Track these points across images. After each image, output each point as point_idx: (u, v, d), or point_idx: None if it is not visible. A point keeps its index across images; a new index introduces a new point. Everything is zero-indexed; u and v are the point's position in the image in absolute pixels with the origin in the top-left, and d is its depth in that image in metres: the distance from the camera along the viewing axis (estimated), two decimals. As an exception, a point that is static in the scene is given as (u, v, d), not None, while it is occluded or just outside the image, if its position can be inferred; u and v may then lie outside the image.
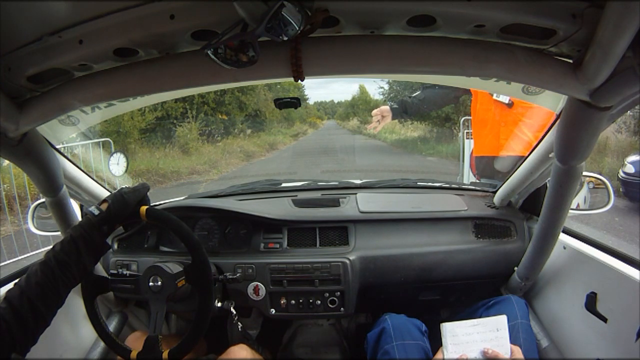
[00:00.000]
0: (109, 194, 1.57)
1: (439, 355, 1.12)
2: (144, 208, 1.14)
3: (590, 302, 1.23)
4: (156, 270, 1.19)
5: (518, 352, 1.10)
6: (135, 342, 1.33)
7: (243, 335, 1.50)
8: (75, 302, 1.07)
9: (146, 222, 1.16)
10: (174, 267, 1.23)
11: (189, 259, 1.20)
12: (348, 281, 1.50)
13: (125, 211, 1.11)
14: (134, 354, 1.16)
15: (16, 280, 0.94)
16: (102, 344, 1.55)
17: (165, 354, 1.14)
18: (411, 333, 1.25)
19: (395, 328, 1.25)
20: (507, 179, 1.58)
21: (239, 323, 1.45)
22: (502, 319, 1.12)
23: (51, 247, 1.00)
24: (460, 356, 1.09)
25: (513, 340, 1.13)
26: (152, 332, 1.16)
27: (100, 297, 1.61)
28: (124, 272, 1.24)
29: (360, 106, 23.44)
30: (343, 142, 16.29)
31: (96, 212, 1.06)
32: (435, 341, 1.23)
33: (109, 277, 1.21)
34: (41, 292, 0.92)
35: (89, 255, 1.02)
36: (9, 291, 0.91)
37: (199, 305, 1.18)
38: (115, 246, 1.68)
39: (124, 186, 1.15)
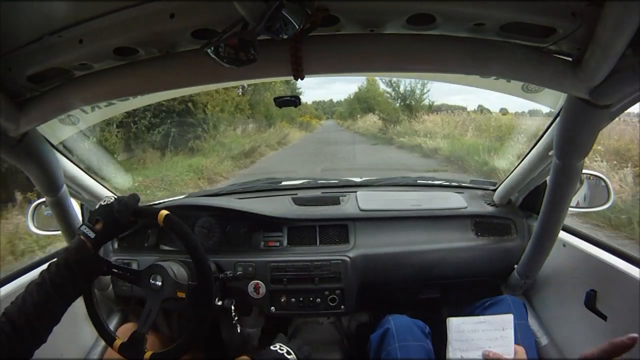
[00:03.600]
0: (109, 193, 1.57)
1: None
2: (163, 213, 1.10)
3: (590, 300, 1.23)
4: (159, 269, 1.18)
5: (522, 353, 1.09)
6: (126, 332, 1.32)
7: (242, 338, 1.49)
8: (75, 303, 1.07)
9: (161, 226, 1.11)
10: (178, 271, 1.22)
11: (190, 258, 1.19)
12: (348, 279, 1.50)
13: (118, 229, 1.09)
14: (117, 343, 1.14)
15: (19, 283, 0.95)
16: (102, 343, 1.55)
17: (147, 355, 1.11)
18: (414, 334, 1.24)
19: (399, 329, 1.25)
20: (507, 177, 1.58)
21: (237, 324, 1.44)
22: (509, 318, 1.11)
23: (46, 267, 1.00)
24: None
25: None
26: (140, 328, 1.14)
27: (102, 296, 1.62)
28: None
29: (378, 99, 17.01)
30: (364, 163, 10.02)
31: (92, 235, 1.03)
32: (437, 340, 1.23)
33: (111, 261, 1.17)
34: (37, 312, 0.93)
35: (84, 278, 1.03)
36: (7, 308, 0.92)
37: (192, 327, 1.15)
38: (116, 245, 1.68)
39: (112, 199, 1.10)
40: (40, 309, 0.94)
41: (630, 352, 1.07)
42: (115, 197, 1.13)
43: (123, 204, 1.08)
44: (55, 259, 1.01)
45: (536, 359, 1.26)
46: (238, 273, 1.49)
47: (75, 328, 1.50)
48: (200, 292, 1.15)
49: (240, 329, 1.45)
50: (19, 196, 5.60)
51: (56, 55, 0.85)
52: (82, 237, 1.03)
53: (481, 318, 1.12)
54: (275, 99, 1.13)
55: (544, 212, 1.28)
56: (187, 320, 1.57)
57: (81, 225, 1.06)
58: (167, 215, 1.10)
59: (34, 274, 1.37)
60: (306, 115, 18.26)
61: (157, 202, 1.83)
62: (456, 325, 1.10)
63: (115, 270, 1.15)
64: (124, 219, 1.07)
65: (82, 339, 1.56)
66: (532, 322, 1.49)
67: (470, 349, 1.09)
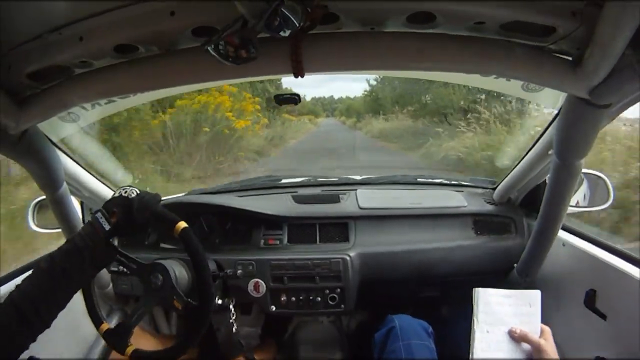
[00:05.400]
0: (110, 191, 1.57)
1: None
2: (181, 225, 1.06)
3: (590, 299, 1.24)
4: (161, 268, 1.16)
5: (548, 333, 1.03)
6: (137, 338, 1.31)
7: (238, 338, 1.47)
8: (75, 301, 1.07)
9: (175, 237, 1.08)
10: (180, 274, 1.21)
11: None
12: (348, 278, 1.50)
13: (133, 228, 1.04)
14: (103, 327, 1.13)
15: (19, 281, 0.95)
16: (102, 342, 1.56)
17: (129, 349, 1.09)
18: (418, 333, 1.25)
19: (403, 328, 1.25)
20: (507, 175, 1.58)
21: (234, 324, 1.44)
22: (536, 294, 1.03)
23: (56, 250, 0.97)
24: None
25: None
26: (129, 319, 1.12)
27: (101, 294, 1.62)
28: (125, 271, 1.23)
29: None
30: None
31: (107, 226, 0.99)
32: (438, 340, 1.23)
33: (118, 248, 1.15)
34: (44, 297, 0.92)
35: (92, 266, 1.00)
36: (12, 292, 0.91)
37: (186, 335, 1.14)
38: (116, 242, 1.68)
39: (133, 193, 1.04)
40: (47, 294, 0.92)
41: (630, 350, 1.07)
42: (138, 192, 1.05)
43: (144, 203, 1.03)
44: (64, 245, 0.98)
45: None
46: (238, 271, 1.48)
47: (75, 327, 1.50)
48: (197, 313, 1.13)
49: (236, 329, 1.45)
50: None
51: (56, 53, 0.85)
52: (95, 224, 0.99)
53: (508, 292, 1.04)
54: (275, 97, 1.13)
55: (544, 211, 1.28)
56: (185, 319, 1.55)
57: (97, 212, 1.01)
58: (184, 228, 1.07)
59: None
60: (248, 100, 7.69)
61: None
62: (483, 296, 1.03)
63: (120, 257, 1.13)
64: (141, 220, 1.02)
65: (82, 338, 1.56)
66: (532, 321, 1.49)
67: (496, 324, 1.01)
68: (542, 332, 1.01)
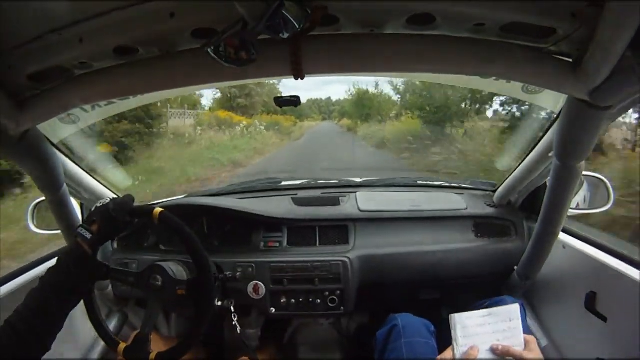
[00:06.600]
0: (109, 192, 1.57)
1: (447, 353, 1.03)
2: (158, 210, 1.10)
3: (590, 302, 1.23)
4: (158, 269, 1.18)
5: (533, 342, 1.02)
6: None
7: (241, 339, 1.48)
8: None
9: (157, 224, 1.11)
10: (177, 271, 1.22)
11: (189, 259, 1.19)
12: (348, 280, 1.50)
13: (116, 230, 1.10)
14: (121, 347, 1.14)
15: (19, 282, 0.95)
16: (102, 343, 1.55)
17: (152, 355, 1.11)
18: (420, 332, 1.24)
19: (405, 326, 1.25)
20: (507, 178, 1.58)
21: (237, 325, 1.44)
22: (515, 308, 1.03)
23: (46, 271, 1.00)
24: (471, 349, 1.00)
25: None
26: (143, 330, 1.14)
27: (101, 296, 1.61)
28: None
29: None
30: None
31: (88, 235, 1.03)
32: (438, 340, 1.22)
33: (109, 265, 1.17)
34: (40, 319, 0.93)
35: (83, 282, 1.03)
36: (9, 317, 0.92)
37: (195, 322, 1.15)
38: (115, 245, 1.68)
39: (107, 200, 1.11)
40: (42, 316, 0.94)
41: (630, 352, 1.07)
42: (112, 198, 1.13)
43: (118, 204, 1.08)
44: (54, 264, 1.01)
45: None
46: (238, 274, 1.48)
47: (74, 328, 1.49)
48: (199, 286, 1.15)
49: (239, 330, 1.45)
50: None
51: (56, 54, 0.85)
52: (79, 239, 1.03)
53: (485, 311, 1.04)
54: (275, 99, 1.13)
55: (544, 214, 1.28)
56: (189, 319, 1.56)
57: (78, 227, 1.06)
58: (161, 212, 1.10)
59: (34, 273, 1.37)
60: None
61: (156, 202, 1.83)
62: (460, 321, 1.03)
63: (114, 274, 1.16)
64: (120, 219, 1.07)
65: (82, 338, 1.55)
66: (532, 324, 1.49)
67: (478, 345, 1.01)
68: (526, 343, 1.00)
